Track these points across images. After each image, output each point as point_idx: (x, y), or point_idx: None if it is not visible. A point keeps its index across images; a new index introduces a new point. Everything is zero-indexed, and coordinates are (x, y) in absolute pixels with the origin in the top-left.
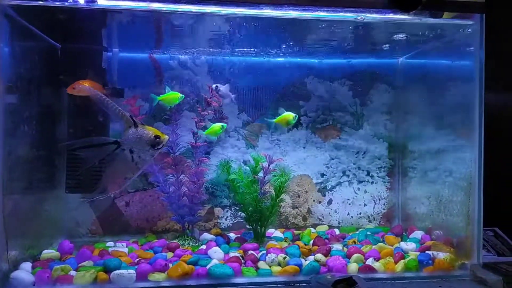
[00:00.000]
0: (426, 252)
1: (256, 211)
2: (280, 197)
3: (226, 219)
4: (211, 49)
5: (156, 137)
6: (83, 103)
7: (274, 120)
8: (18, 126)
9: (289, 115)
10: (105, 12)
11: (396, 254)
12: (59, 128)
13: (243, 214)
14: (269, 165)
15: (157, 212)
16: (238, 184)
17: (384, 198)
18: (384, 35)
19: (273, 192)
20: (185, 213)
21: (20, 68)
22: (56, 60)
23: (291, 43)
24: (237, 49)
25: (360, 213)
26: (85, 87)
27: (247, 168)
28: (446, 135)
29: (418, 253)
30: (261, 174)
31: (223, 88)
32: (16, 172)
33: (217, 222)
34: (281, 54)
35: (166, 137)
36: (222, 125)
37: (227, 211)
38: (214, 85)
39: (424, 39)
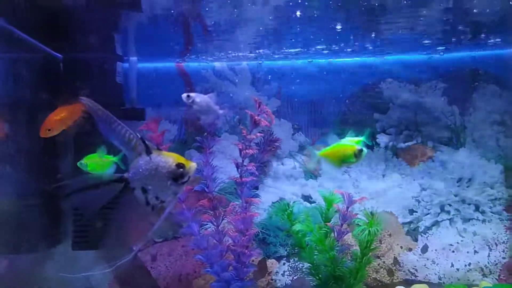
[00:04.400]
0: None
1: (333, 277)
2: (369, 256)
3: (283, 275)
4: (255, 51)
5: (179, 165)
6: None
7: (319, 152)
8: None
9: (348, 147)
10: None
11: None
12: (62, 164)
13: (313, 280)
14: (347, 208)
15: (193, 267)
16: (307, 239)
17: (504, 242)
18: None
19: (356, 247)
20: (230, 277)
21: (5, 88)
22: (57, 74)
23: (361, 34)
24: (289, 49)
25: (470, 264)
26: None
27: (306, 203)
28: None
29: None
30: (335, 219)
31: (202, 98)
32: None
33: (271, 280)
34: (348, 50)
35: (194, 164)
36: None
37: (283, 264)
38: (185, 94)
39: None
